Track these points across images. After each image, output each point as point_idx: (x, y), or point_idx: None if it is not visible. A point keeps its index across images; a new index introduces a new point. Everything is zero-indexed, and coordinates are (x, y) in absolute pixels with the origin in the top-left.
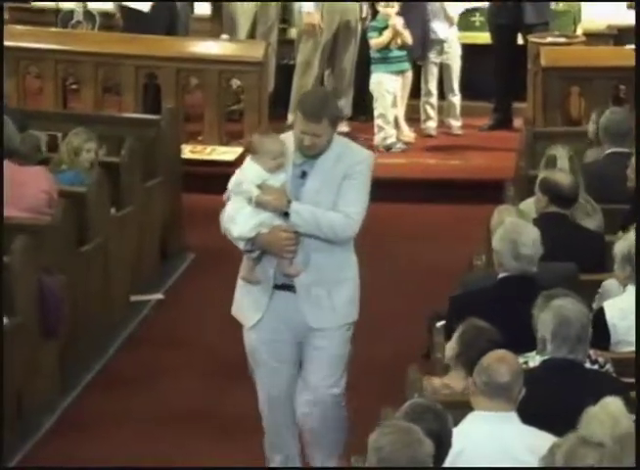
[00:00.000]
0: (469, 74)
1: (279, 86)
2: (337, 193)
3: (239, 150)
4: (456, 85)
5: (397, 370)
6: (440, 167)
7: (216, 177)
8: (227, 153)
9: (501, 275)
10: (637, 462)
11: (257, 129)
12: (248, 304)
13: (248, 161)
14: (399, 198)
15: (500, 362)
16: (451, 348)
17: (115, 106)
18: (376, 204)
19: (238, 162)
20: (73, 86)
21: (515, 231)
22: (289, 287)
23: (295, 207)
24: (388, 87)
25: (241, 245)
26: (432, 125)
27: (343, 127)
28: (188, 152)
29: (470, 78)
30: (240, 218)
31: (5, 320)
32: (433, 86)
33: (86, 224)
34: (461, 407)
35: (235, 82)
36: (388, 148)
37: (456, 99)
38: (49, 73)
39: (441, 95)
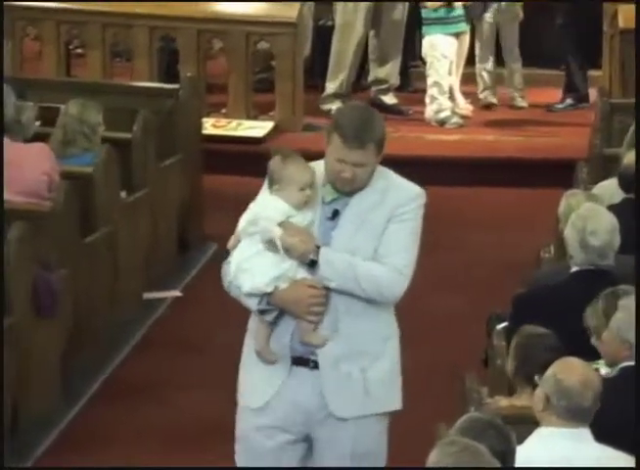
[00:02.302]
0: (530, 37)
1: (315, 51)
2: (378, 240)
3: (268, 125)
4: (516, 49)
5: (453, 378)
6: (501, 145)
7: (242, 156)
8: (255, 128)
9: (572, 270)
10: (637, 462)
11: (278, 148)
12: (256, 376)
13: (263, 194)
14: (454, 180)
15: (585, 387)
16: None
17: (127, 73)
18: (426, 187)
19: (267, 138)
20: (78, 51)
21: (585, 218)
22: (306, 361)
23: (325, 254)
24: (444, 51)
25: (252, 304)
26: (490, 96)
27: (390, 99)
28: (210, 127)
29: (532, 42)
30: (257, 267)
31: None
32: (490, 51)
33: (92, 210)
34: (524, 423)
35: (264, 46)
36: (442, 122)
37: (517, 66)
38: (50, 36)
39: (499, 62)
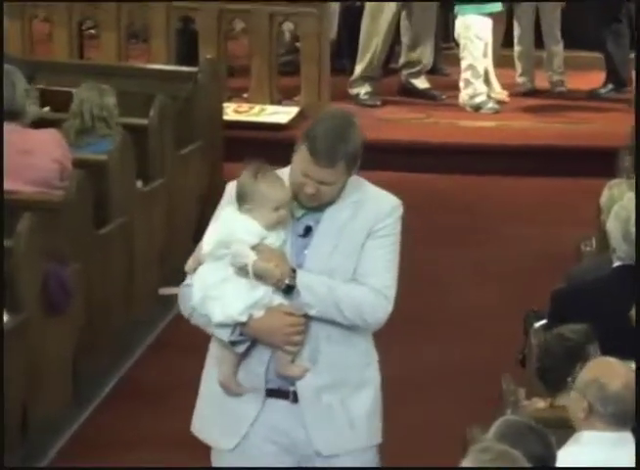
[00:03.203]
0: (572, 17)
1: (343, 32)
2: (357, 258)
3: (293, 110)
4: (558, 31)
5: (487, 379)
6: (539, 132)
7: (266, 143)
8: (279, 113)
9: (615, 264)
10: (637, 462)
11: (250, 163)
12: (224, 416)
13: (230, 211)
14: (489, 169)
15: (629, 389)
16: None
17: (143, 56)
18: (460, 176)
19: (292, 125)
20: (91, 31)
21: (629, 209)
22: (284, 394)
23: (303, 278)
24: (478, 32)
25: (224, 334)
26: (528, 80)
27: (422, 82)
28: (231, 112)
29: (573, 22)
30: (229, 295)
31: (5, 317)
32: (529, 32)
33: (106, 201)
34: (562, 427)
35: (289, 27)
36: (477, 108)
37: (558, 48)
38: (61, 16)
39: (538, 43)
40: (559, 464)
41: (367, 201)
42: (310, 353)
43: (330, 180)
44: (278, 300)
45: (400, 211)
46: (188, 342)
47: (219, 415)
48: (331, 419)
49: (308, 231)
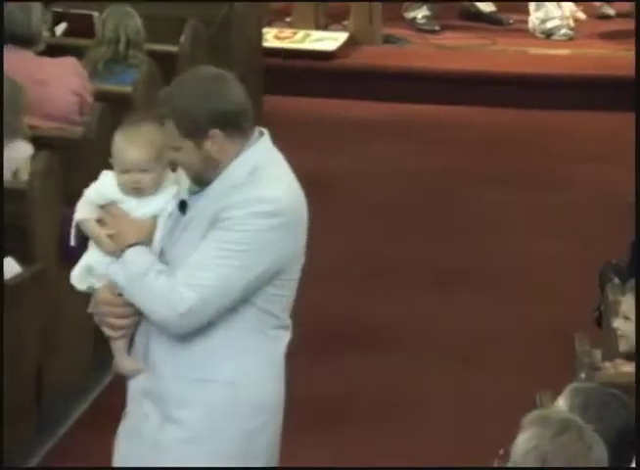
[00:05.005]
0: None
1: None
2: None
3: (342, 36)
4: None
5: (555, 341)
6: (618, 61)
7: (311, 73)
8: (325, 40)
9: None
10: (637, 462)
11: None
12: None
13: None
14: (562, 103)
15: None
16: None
17: None
18: (528, 111)
19: (340, 53)
20: None
21: None
22: None
23: (129, 255)
24: None
25: None
26: (607, 4)
27: (488, 5)
28: (272, 38)
29: None
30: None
31: (18, 268)
32: None
33: None
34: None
35: None
36: (550, 34)
37: None
38: None
39: None
40: None
41: (245, 185)
42: (142, 350)
43: (168, 141)
44: None
45: (263, 206)
46: None
47: None
48: (139, 433)
49: (184, 208)
